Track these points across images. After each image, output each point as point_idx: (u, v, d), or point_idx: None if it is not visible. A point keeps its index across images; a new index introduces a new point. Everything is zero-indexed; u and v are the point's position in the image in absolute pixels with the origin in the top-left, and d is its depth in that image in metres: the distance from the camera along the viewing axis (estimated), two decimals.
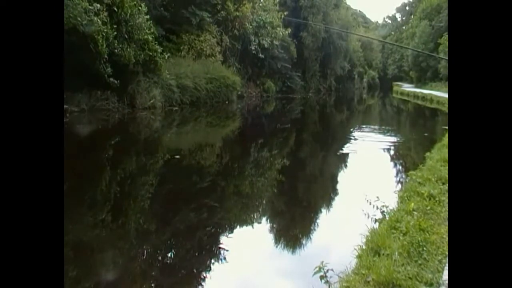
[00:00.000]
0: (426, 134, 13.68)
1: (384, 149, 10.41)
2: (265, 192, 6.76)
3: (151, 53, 15.20)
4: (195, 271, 3.91)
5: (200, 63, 20.24)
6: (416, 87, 44.49)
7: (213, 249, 4.35)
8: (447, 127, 9.67)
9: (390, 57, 70.15)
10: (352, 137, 12.71)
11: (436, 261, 2.94)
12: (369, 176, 7.22)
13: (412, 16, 59.29)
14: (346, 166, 8.70)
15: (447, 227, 3.39)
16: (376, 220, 4.03)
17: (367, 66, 63.51)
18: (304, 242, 4.55)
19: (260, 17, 27.45)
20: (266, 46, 26.90)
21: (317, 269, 2.72)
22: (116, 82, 13.53)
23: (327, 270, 2.71)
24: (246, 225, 5.18)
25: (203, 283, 3.58)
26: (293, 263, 4.00)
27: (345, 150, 10.17)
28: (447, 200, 4.11)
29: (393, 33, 74.51)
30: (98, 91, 13.78)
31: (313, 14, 35.25)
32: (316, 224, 5.22)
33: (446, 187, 4.70)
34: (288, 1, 34.16)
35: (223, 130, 14.61)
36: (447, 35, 33.15)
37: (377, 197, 4.32)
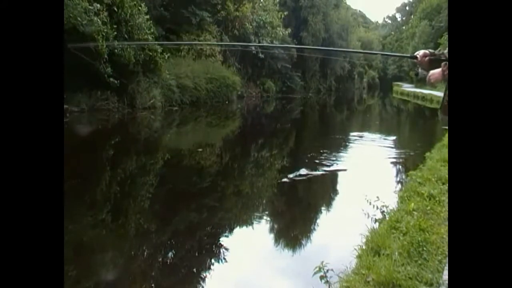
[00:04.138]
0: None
1: (386, 154, 10.39)
2: (265, 193, 6.76)
3: (151, 53, 15.19)
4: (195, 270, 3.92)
5: (200, 63, 20.24)
6: (416, 87, 44.38)
7: (214, 248, 4.35)
8: (447, 127, 9.63)
9: (390, 57, 70.04)
10: (351, 139, 12.71)
11: (436, 261, 2.94)
12: (370, 175, 7.22)
13: (412, 16, 59.22)
14: (350, 165, 8.68)
15: (447, 227, 3.39)
16: (376, 220, 4.04)
17: (367, 66, 63.45)
18: (304, 242, 4.55)
19: (260, 17, 27.46)
20: None
21: (317, 269, 2.73)
22: (116, 82, 13.53)
23: (327, 270, 2.71)
24: (251, 221, 5.18)
25: (203, 283, 3.58)
26: (293, 263, 4.00)
27: (347, 151, 10.16)
28: (447, 200, 4.11)
29: (393, 33, 74.45)
30: (98, 91, 13.77)
31: (313, 14, 35.30)
32: (316, 224, 5.21)
33: (446, 187, 4.70)
34: (288, 1, 34.20)
35: (223, 130, 14.61)
36: (447, 35, 33.06)
37: (377, 197, 4.32)
